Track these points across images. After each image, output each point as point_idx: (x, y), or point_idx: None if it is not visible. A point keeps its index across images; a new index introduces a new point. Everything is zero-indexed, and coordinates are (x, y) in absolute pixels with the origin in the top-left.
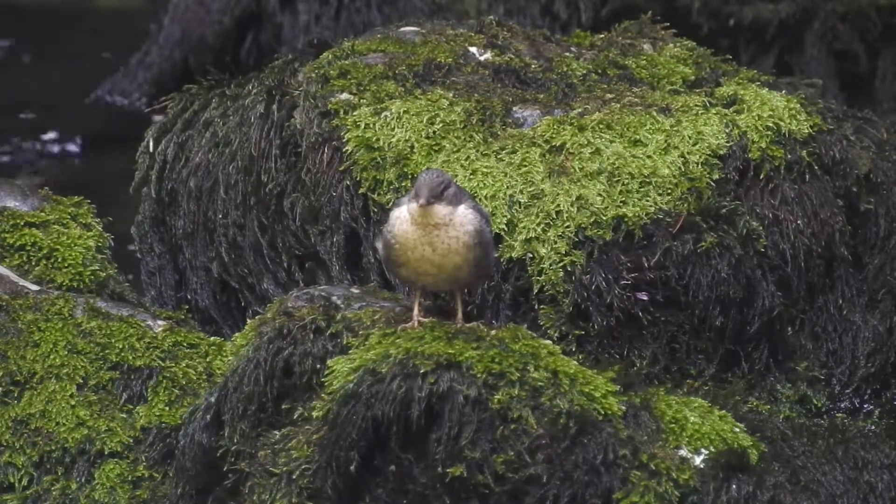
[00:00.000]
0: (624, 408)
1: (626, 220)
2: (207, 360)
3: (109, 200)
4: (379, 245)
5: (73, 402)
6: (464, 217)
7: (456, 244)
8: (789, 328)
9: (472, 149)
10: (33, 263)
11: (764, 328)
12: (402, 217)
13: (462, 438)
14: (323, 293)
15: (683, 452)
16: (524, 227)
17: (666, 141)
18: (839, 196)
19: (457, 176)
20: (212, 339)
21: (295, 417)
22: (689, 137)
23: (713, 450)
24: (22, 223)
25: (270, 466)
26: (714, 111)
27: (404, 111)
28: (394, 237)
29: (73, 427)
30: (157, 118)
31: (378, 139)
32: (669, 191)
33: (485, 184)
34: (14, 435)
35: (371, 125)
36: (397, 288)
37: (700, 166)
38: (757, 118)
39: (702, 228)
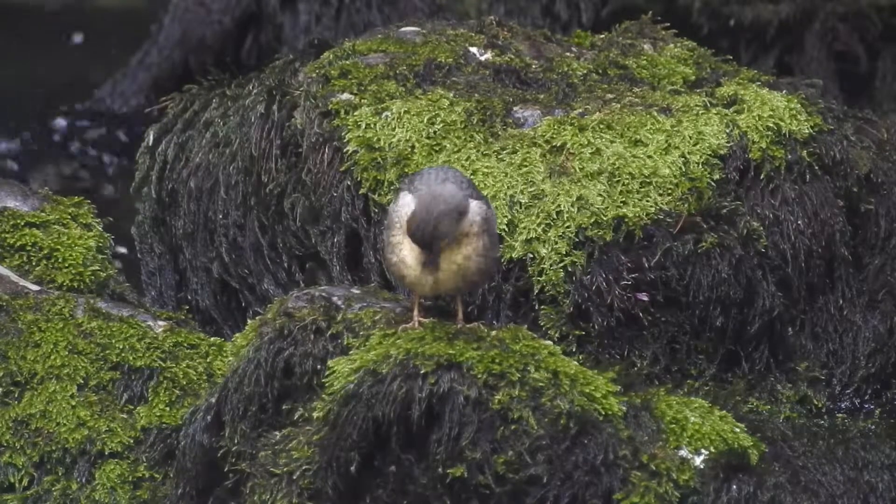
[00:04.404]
0: (624, 408)
1: (626, 220)
2: (208, 360)
3: (109, 201)
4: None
5: (73, 403)
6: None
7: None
8: (790, 328)
9: (473, 149)
10: (34, 263)
11: (764, 328)
12: (403, 223)
13: (462, 439)
14: (323, 294)
15: (684, 453)
16: (525, 228)
17: (666, 141)
18: (839, 196)
19: None
20: (212, 339)
21: (295, 418)
22: (690, 137)
23: (713, 450)
24: (22, 223)
25: (271, 467)
26: (714, 111)
27: (405, 111)
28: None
29: (73, 427)
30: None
31: (379, 139)
32: (670, 191)
33: (485, 184)
34: (14, 435)
35: (372, 125)
36: (398, 288)
37: (700, 166)
38: (757, 118)
39: (702, 229)
